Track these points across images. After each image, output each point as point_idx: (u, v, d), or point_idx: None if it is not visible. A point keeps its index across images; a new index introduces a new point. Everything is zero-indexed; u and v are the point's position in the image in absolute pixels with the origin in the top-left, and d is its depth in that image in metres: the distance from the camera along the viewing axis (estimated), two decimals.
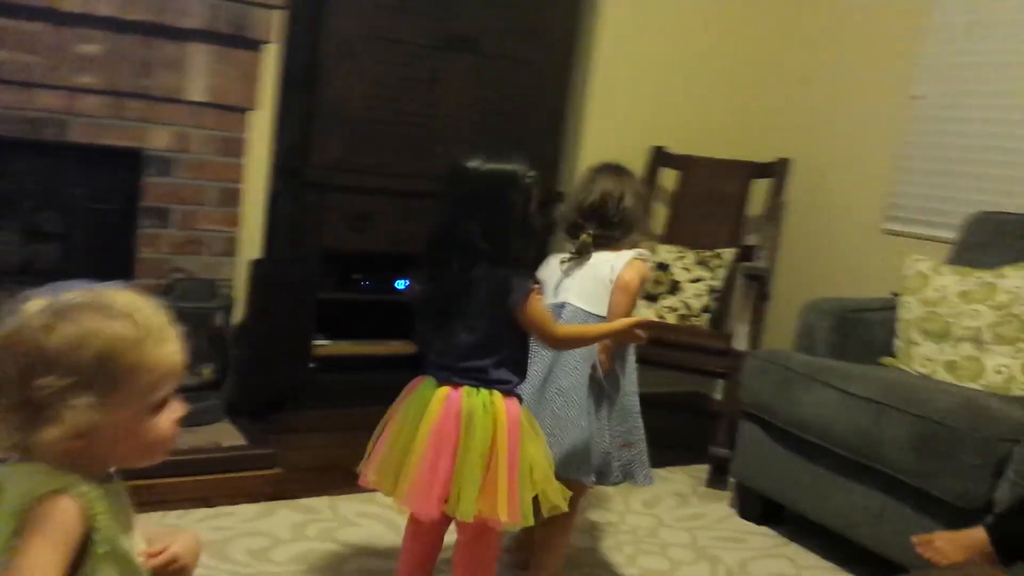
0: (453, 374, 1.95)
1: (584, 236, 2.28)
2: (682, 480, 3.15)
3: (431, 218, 2.05)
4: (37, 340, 1.07)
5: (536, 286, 1.96)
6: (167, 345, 1.14)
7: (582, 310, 2.23)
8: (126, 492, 1.22)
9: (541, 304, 1.97)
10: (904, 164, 3.52)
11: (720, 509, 2.95)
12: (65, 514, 1.08)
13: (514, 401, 1.96)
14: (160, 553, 1.26)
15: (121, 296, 1.14)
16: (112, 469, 1.20)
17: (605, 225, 2.29)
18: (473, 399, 1.92)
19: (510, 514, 1.89)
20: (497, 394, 1.93)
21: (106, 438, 1.11)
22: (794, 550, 2.69)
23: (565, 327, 2.11)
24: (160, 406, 1.15)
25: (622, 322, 2.10)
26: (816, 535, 2.70)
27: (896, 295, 2.90)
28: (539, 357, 2.19)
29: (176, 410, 1.19)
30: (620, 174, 2.35)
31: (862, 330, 2.90)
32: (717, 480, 3.12)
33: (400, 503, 1.96)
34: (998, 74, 3.24)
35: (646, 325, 2.11)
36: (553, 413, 2.17)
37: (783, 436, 2.69)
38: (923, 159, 3.47)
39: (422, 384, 2.00)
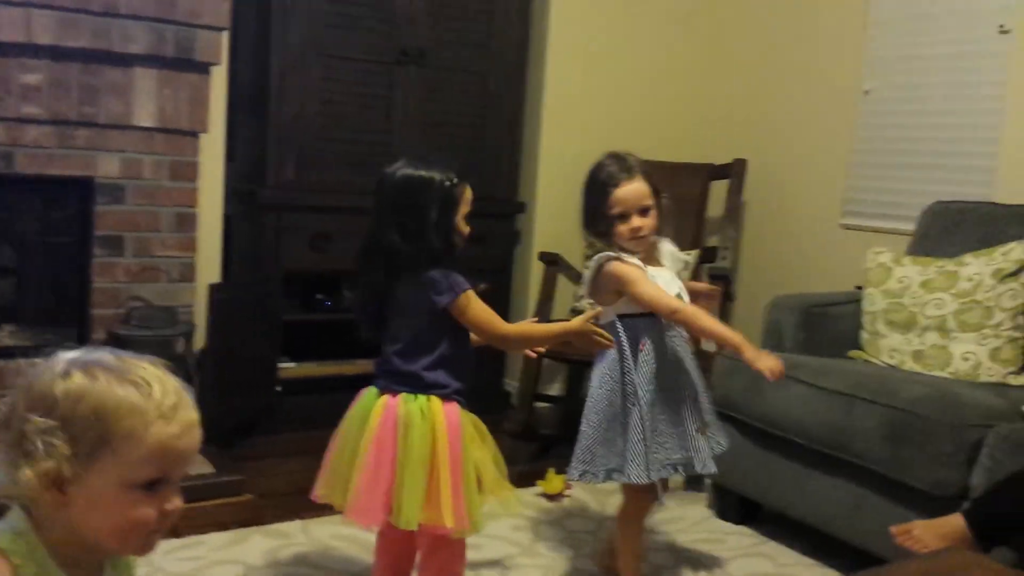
0: (391, 381, 1.96)
1: None
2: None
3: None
4: (49, 383, 1.08)
5: (472, 287, 1.94)
6: (171, 426, 1.08)
7: None
8: None
9: (479, 303, 1.95)
10: (858, 159, 3.55)
11: (698, 511, 2.93)
12: None
13: (453, 406, 1.96)
14: None
15: (148, 369, 1.11)
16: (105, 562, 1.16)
17: None
18: (410, 405, 1.92)
19: (456, 521, 1.89)
20: (435, 399, 1.94)
21: (82, 500, 1.07)
22: (773, 548, 2.68)
23: (512, 325, 2.07)
24: (150, 488, 1.09)
25: (579, 320, 2.05)
26: (795, 532, 2.69)
27: (860, 288, 2.91)
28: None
29: (169, 501, 1.11)
30: None
31: (828, 324, 2.90)
32: (693, 482, 3.09)
33: (346, 515, 1.95)
34: (944, 65, 3.28)
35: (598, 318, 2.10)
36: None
37: (756, 434, 2.68)
38: (877, 153, 3.50)
39: (365, 394, 2.00)
